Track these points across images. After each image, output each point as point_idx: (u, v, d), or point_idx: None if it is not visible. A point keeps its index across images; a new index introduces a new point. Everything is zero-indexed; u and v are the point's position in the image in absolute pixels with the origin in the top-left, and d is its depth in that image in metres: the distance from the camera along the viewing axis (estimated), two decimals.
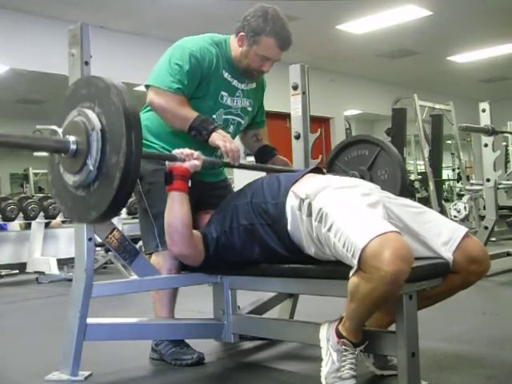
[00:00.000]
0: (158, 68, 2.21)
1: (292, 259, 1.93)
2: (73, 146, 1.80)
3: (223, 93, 2.28)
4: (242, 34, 2.24)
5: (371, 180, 2.51)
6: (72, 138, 1.80)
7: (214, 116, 2.27)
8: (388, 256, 1.50)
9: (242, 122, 2.40)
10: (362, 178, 2.52)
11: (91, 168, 1.75)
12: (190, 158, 2.02)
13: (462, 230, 1.81)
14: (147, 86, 2.21)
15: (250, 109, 2.42)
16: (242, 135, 2.57)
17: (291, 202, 1.88)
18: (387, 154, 2.51)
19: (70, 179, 1.86)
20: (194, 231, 2.09)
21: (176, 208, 2.01)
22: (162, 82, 2.17)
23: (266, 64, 2.28)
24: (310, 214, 1.78)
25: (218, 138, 2.14)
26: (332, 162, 2.67)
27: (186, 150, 2.03)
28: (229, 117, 2.33)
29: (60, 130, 1.86)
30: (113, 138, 1.74)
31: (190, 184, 2.04)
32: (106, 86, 1.80)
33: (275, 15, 2.23)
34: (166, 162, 2.05)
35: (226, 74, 2.28)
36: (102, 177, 1.76)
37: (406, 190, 2.52)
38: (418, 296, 1.75)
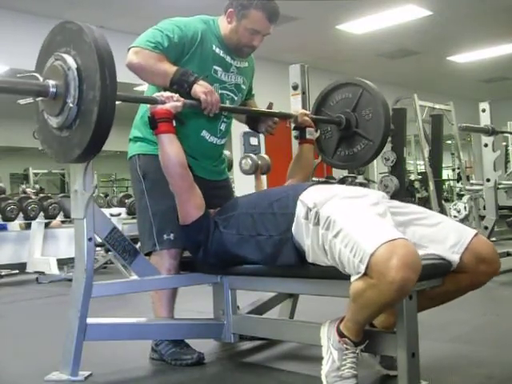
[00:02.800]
0: (141, 35, 2.20)
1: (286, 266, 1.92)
2: (52, 89, 1.86)
3: (216, 67, 2.27)
4: (230, 10, 2.25)
5: (356, 120, 2.55)
6: (52, 82, 1.87)
7: None
8: (396, 263, 1.48)
9: (236, 98, 2.39)
10: (348, 120, 2.57)
11: (71, 105, 1.82)
12: (170, 100, 2.03)
13: (471, 231, 1.79)
14: (128, 51, 2.19)
15: (243, 86, 2.41)
16: None
17: (298, 210, 1.85)
18: (369, 93, 2.55)
19: (54, 122, 1.92)
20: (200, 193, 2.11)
21: (167, 149, 2.03)
22: (141, 42, 2.16)
23: (255, 38, 2.27)
24: (317, 223, 1.75)
25: (200, 89, 2.11)
26: (318, 108, 2.69)
27: (166, 93, 2.05)
28: (224, 92, 2.32)
29: (40, 76, 1.92)
30: (88, 75, 1.80)
31: (174, 124, 2.05)
32: (78, 28, 1.85)
33: None
34: (148, 106, 2.06)
35: (217, 50, 2.28)
36: (82, 114, 1.82)
37: (389, 125, 2.56)
38: (425, 296, 1.75)
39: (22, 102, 1.98)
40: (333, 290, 1.87)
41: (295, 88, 2.68)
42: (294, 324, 2.25)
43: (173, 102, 2.03)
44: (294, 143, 2.67)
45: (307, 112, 2.52)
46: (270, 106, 2.47)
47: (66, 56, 1.85)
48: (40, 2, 5.89)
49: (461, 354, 2.21)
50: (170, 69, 2.14)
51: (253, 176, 2.73)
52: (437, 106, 6.02)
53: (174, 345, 2.20)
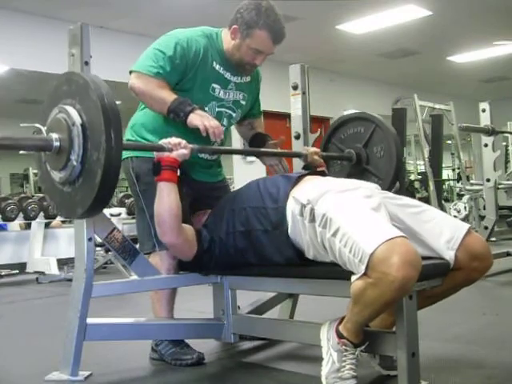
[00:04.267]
0: (143, 55, 2.20)
1: (286, 267, 1.93)
2: (56, 144, 1.82)
3: (215, 85, 2.26)
4: (234, 26, 2.22)
5: (367, 157, 2.52)
6: (55, 136, 1.83)
7: (207, 108, 2.25)
8: (397, 262, 1.49)
9: (234, 115, 2.37)
10: (359, 155, 2.53)
11: (75, 163, 1.78)
12: (177, 148, 1.99)
13: (464, 226, 1.80)
14: (130, 73, 2.20)
15: (243, 102, 2.39)
16: (238, 124, 2.54)
17: (291, 207, 1.86)
18: (382, 130, 2.52)
19: (57, 176, 1.88)
20: (188, 226, 2.09)
21: (164, 198, 1.99)
22: (143, 66, 2.16)
23: (258, 57, 2.25)
24: (312, 220, 1.76)
25: (196, 118, 2.10)
26: (328, 139, 2.67)
27: (174, 140, 2.01)
28: (222, 109, 2.30)
29: (44, 128, 1.88)
30: (93, 134, 1.76)
31: (179, 173, 2.03)
32: (84, 82, 1.81)
33: (268, 8, 2.21)
34: (154, 153, 2.03)
35: (217, 66, 2.25)
36: (86, 173, 1.79)
37: (401, 164, 2.51)
38: (421, 294, 1.75)
39: (21, 152, 1.95)
40: (333, 290, 1.87)
41: (295, 88, 2.68)
42: (293, 324, 2.25)
43: (180, 148, 1.99)
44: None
45: (317, 150, 2.44)
46: (281, 141, 2.43)
47: (70, 109, 1.81)
48: (40, 2, 5.88)
49: (461, 354, 2.20)
50: (169, 97, 2.13)
51: (252, 175, 2.73)
52: (437, 106, 6.02)
53: (174, 345, 2.20)
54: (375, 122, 2.53)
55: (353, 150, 2.55)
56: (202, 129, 2.08)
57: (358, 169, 2.56)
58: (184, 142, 2.02)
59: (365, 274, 1.55)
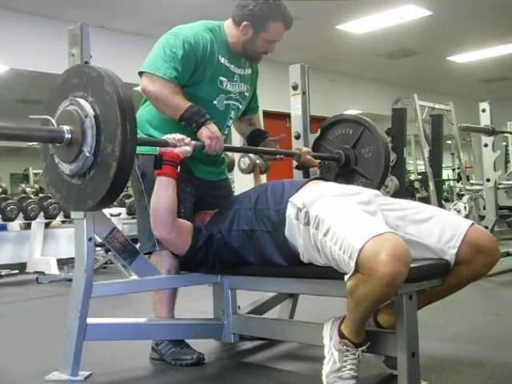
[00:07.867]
0: (152, 55, 2.20)
1: (286, 267, 1.93)
2: (67, 135, 1.82)
3: (222, 78, 2.27)
4: (245, 23, 2.24)
5: (356, 158, 2.53)
6: (66, 127, 1.82)
7: (215, 102, 2.26)
8: (384, 257, 1.49)
9: (240, 106, 2.39)
10: (347, 156, 2.57)
11: (87, 154, 1.77)
12: (180, 144, 2.01)
13: (467, 222, 1.79)
14: (141, 73, 2.20)
15: (247, 94, 2.41)
16: (237, 120, 2.54)
17: (289, 211, 1.88)
18: (371, 132, 2.54)
19: (67, 168, 1.87)
20: (185, 222, 2.10)
21: (161, 193, 2.01)
22: (157, 68, 2.15)
23: (271, 46, 2.31)
24: (307, 223, 1.78)
25: (207, 134, 2.11)
26: (317, 141, 2.68)
27: (177, 136, 2.02)
28: (230, 102, 2.32)
29: (53, 120, 1.87)
30: (107, 127, 1.75)
31: (179, 170, 2.04)
32: (98, 75, 1.80)
33: None
34: (157, 148, 2.04)
35: (222, 59, 2.27)
36: (98, 165, 1.78)
37: (389, 166, 2.55)
38: (427, 291, 1.75)
39: (29, 144, 1.94)
40: (332, 290, 1.87)
41: (295, 88, 2.68)
42: (294, 324, 2.25)
43: (183, 144, 2.01)
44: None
45: (310, 150, 2.51)
46: (281, 138, 2.45)
47: (82, 101, 1.80)
48: (40, 1, 5.88)
49: (461, 354, 2.20)
50: (183, 104, 2.14)
51: (252, 175, 2.73)
52: (437, 106, 6.01)
53: (174, 345, 2.20)
54: (364, 124, 2.54)
55: (341, 151, 2.57)
56: (206, 145, 2.11)
57: (347, 169, 2.58)
58: (188, 138, 2.04)
59: (356, 270, 1.56)
